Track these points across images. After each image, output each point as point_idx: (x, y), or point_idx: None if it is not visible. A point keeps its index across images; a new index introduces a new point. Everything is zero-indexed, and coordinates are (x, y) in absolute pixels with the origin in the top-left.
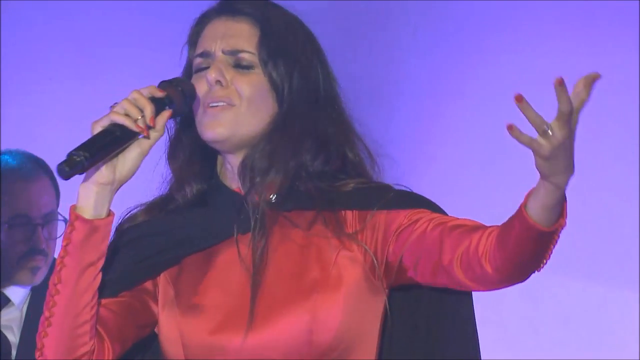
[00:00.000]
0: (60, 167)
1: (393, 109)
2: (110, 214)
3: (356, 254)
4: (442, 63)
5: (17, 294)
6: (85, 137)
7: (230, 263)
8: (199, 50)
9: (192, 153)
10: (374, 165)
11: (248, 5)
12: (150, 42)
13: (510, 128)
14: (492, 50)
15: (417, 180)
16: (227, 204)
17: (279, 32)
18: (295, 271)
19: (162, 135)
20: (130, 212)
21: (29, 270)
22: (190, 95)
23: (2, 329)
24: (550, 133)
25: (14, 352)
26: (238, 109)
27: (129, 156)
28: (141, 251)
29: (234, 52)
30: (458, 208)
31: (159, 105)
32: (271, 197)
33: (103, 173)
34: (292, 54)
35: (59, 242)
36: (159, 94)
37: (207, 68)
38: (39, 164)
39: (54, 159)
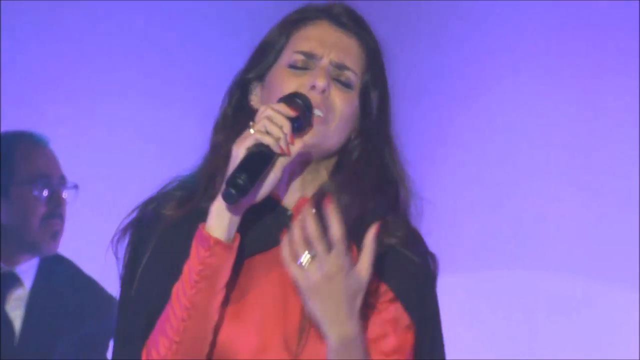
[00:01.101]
0: (227, 193)
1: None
2: (236, 236)
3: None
4: (442, 63)
5: (27, 273)
6: (84, 137)
7: (269, 276)
8: (303, 48)
9: None
10: (413, 206)
11: (359, 24)
12: (150, 42)
13: (284, 234)
14: (492, 50)
15: (416, 179)
16: (266, 210)
17: (378, 60)
18: None
19: (291, 159)
20: (160, 199)
21: (50, 236)
22: (309, 108)
23: (11, 309)
24: (304, 266)
25: (18, 330)
26: (331, 124)
27: (266, 181)
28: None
29: (341, 67)
30: (458, 207)
31: (291, 122)
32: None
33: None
34: (381, 85)
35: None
36: (291, 113)
37: (305, 69)
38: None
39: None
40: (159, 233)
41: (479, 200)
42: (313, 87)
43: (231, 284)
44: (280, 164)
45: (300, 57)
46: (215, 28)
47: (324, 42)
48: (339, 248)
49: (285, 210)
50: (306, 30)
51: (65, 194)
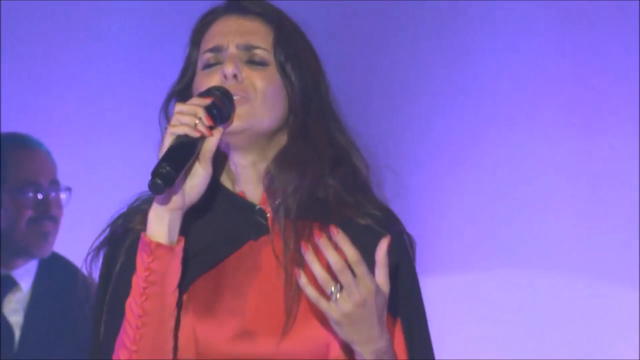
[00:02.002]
0: (153, 183)
1: (389, 109)
2: (180, 238)
3: None
4: (442, 63)
5: (25, 277)
6: (84, 138)
7: (242, 268)
8: (208, 46)
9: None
10: (372, 179)
11: (258, 5)
12: (150, 42)
13: (299, 275)
14: (492, 50)
15: (416, 180)
16: (233, 208)
17: (291, 35)
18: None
19: (215, 146)
20: (127, 213)
21: (41, 237)
22: (227, 95)
23: (10, 313)
24: (335, 300)
25: (17, 334)
26: (254, 102)
27: (196, 181)
28: None
29: (248, 48)
30: (458, 207)
31: (208, 111)
32: (291, 205)
33: (174, 198)
34: (303, 59)
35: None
36: (205, 101)
37: (217, 64)
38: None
39: (54, 159)
40: (126, 248)
41: (479, 199)
42: (225, 77)
43: (207, 285)
44: (205, 154)
45: (208, 55)
46: None
47: (224, 32)
48: (362, 272)
49: (252, 205)
50: (209, 31)
51: (57, 197)
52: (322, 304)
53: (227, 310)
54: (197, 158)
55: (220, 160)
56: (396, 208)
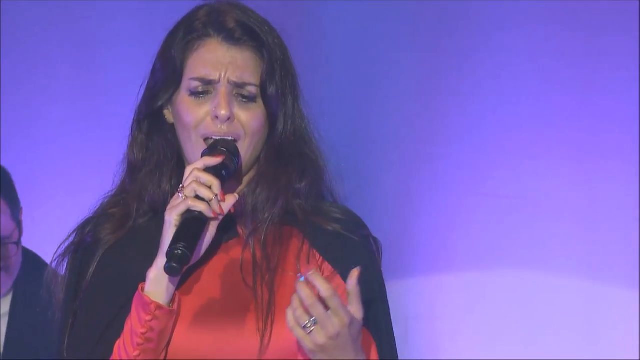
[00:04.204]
0: (169, 267)
1: (388, 109)
2: (176, 297)
3: None
4: (441, 63)
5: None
6: (85, 139)
7: (214, 270)
8: (198, 74)
9: (164, 162)
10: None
11: (252, 35)
12: (150, 42)
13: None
14: (492, 50)
15: (416, 179)
16: None
17: (278, 63)
18: (282, 280)
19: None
20: (89, 227)
21: None
22: (235, 153)
23: None
24: (309, 332)
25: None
26: (243, 142)
27: (204, 242)
28: (130, 285)
29: (240, 85)
30: (457, 207)
31: (217, 174)
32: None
33: None
34: (287, 87)
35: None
36: (217, 160)
37: (205, 93)
38: None
39: (53, 159)
40: (98, 258)
41: (479, 199)
42: (216, 118)
43: (182, 292)
44: (214, 223)
45: (197, 84)
46: None
47: (218, 64)
48: (336, 305)
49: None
50: (200, 52)
51: (5, 251)
52: (298, 332)
53: (202, 311)
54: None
55: (179, 168)
56: (396, 208)
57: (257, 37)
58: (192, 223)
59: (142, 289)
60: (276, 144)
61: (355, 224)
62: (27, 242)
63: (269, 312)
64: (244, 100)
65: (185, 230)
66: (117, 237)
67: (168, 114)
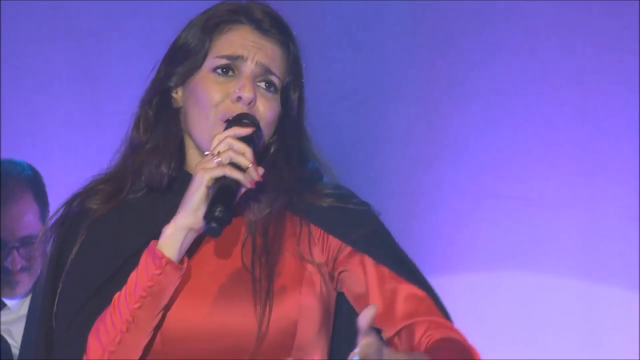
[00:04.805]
0: (210, 228)
1: (390, 109)
2: (185, 259)
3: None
4: (441, 63)
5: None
6: (86, 139)
7: (212, 248)
8: (226, 52)
9: (166, 144)
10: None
11: (280, 29)
12: (150, 42)
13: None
14: (492, 50)
15: (415, 179)
16: None
17: (300, 65)
18: (280, 262)
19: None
20: (83, 196)
21: (9, 284)
22: (258, 126)
23: (1, 333)
24: None
25: (16, 353)
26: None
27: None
28: (120, 253)
29: (268, 71)
30: (457, 207)
31: (248, 144)
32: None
33: (197, 219)
34: (300, 85)
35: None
36: (248, 131)
37: (229, 71)
38: (22, 179)
39: (53, 159)
40: (87, 227)
41: (479, 200)
42: (239, 99)
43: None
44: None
45: (224, 62)
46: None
47: (247, 45)
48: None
49: None
50: (229, 35)
51: (30, 250)
52: None
53: (199, 290)
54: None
55: (183, 147)
56: (397, 208)
57: (284, 31)
58: (228, 189)
59: (155, 244)
60: (283, 138)
61: (347, 195)
62: None
63: (267, 297)
64: (266, 88)
65: (222, 195)
66: (107, 209)
67: (177, 96)
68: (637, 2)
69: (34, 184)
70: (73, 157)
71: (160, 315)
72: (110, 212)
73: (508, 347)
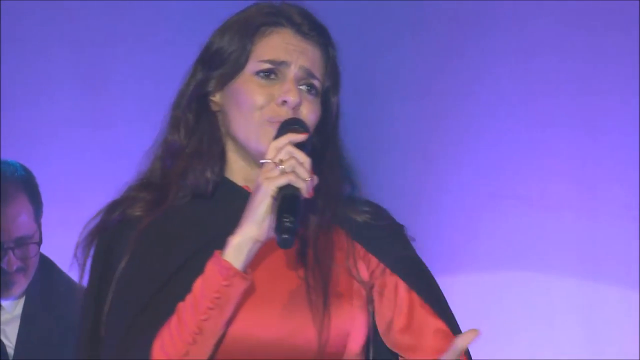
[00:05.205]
0: (282, 239)
1: (391, 109)
2: (249, 270)
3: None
4: (442, 64)
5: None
6: (85, 139)
7: (257, 264)
8: (270, 56)
9: (209, 149)
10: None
11: (320, 33)
12: (151, 42)
13: None
14: (492, 50)
15: (417, 179)
16: (240, 201)
17: (337, 65)
18: (333, 274)
19: None
20: (124, 204)
21: (5, 285)
22: (309, 131)
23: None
24: None
25: (10, 352)
26: None
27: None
28: (171, 262)
29: (310, 75)
30: (457, 207)
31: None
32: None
33: (262, 232)
34: (338, 90)
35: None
36: (300, 137)
37: (272, 74)
38: (16, 180)
39: (53, 160)
40: (135, 236)
41: (479, 200)
42: (284, 102)
43: None
44: None
45: (267, 66)
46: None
47: (290, 50)
48: None
49: None
50: (270, 39)
51: (26, 250)
52: None
53: (258, 302)
54: None
55: (222, 153)
56: (398, 208)
57: (323, 34)
58: (293, 198)
59: (221, 255)
60: (321, 142)
61: (381, 214)
62: None
63: (325, 308)
64: (308, 91)
65: (289, 205)
66: (152, 217)
67: (215, 99)
68: (637, 2)
69: (28, 184)
70: (73, 158)
71: (226, 327)
72: (157, 220)
73: (509, 347)
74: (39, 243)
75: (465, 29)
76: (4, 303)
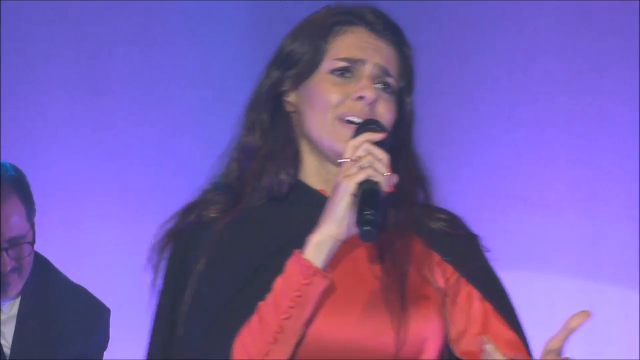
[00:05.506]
0: (364, 232)
1: None
2: (329, 269)
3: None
4: (443, 65)
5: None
6: (85, 139)
7: (341, 261)
8: (346, 54)
9: (283, 151)
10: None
11: (394, 32)
12: (151, 42)
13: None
14: (492, 50)
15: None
16: (316, 204)
17: (411, 64)
18: (409, 277)
19: None
20: (201, 206)
21: (0, 286)
22: (386, 130)
23: None
24: None
25: (7, 353)
26: None
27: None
28: (249, 264)
29: (386, 73)
30: (457, 207)
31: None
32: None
33: (343, 230)
34: (412, 88)
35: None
36: (378, 136)
37: (348, 72)
38: (7, 180)
39: (52, 160)
40: (212, 239)
41: (479, 199)
42: (360, 98)
43: None
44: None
45: (343, 64)
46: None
47: (365, 48)
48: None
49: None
50: (345, 38)
51: (19, 250)
52: None
53: (336, 303)
54: None
55: (297, 155)
56: None
57: (397, 32)
58: (373, 192)
59: (300, 253)
60: (398, 142)
61: (457, 222)
62: None
63: (402, 311)
64: (383, 91)
65: (369, 199)
66: (229, 219)
67: (290, 100)
68: (638, 2)
69: (19, 184)
70: (73, 158)
71: (306, 326)
72: (233, 222)
73: None
74: (32, 243)
75: (465, 29)
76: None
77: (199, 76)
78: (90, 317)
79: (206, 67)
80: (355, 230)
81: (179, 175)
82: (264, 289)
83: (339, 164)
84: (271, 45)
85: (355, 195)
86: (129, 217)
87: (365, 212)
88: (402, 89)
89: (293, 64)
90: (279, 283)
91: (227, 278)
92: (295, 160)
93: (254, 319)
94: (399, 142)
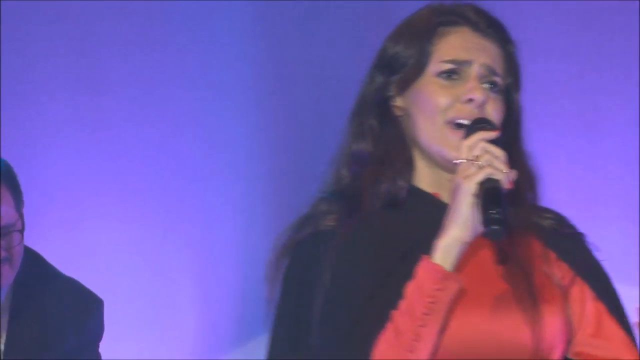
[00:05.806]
0: (492, 231)
1: None
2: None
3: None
4: None
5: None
6: (85, 139)
7: (462, 265)
8: (452, 56)
9: (397, 156)
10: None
11: (497, 29)
12: (151, 42)
13: None
14: None
15: None
16: (431, 209)
17: (517, 61)
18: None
19: None
20: (318, 216)
21: None
22: (497, 128)
23: None
24: None
25: (1, 347)
26: None
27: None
28: (374, 273)
29: (492, 72)
30: None
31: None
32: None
33: (469, 233)
34: (520, 82)
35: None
36: (492, 135)
37: (455, 74)
38: None
39: (52, 160)
40: (336, 247)
41: None
42: (470, 100)
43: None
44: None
45: (450, 66)
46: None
47: (471, 48)
48: None
49: (445, 205)
50: (449, 38)
51: (9, 240)
52: None
53: (469, 304)
54: None
55: (411, 160)
56: None
57: (501, 30)
58: (495, 190)
59: (430, 259)
60: (511, 146)
61: (564, 221)
62: (28, 241)
63: (536, 310)
64: (490, 89)
65: (492, 198)
66: (349, 228)
67: (397, 104)
68: (638, 2)
69: (7, 176)
70: (73, 158)
71: (442, 332)
72: (354, 230)
73: None
74: (22, 231)
75: None
76: None
77: (199, 76)
78: (83, 309)
79: (206, 67)
80: (479, 231)
81: (179, 175)
82: (396, 296)
83: (455, 165)
84: (271, 45)
85: (476, 195)
86: (128, 217)
87: (491, 212)
88: (509, 85)
89: (398, 68)
90: (410, 289)
91: (357, 287)
92: (410, 165)
93: (389, 329)
94: (508, 140)
